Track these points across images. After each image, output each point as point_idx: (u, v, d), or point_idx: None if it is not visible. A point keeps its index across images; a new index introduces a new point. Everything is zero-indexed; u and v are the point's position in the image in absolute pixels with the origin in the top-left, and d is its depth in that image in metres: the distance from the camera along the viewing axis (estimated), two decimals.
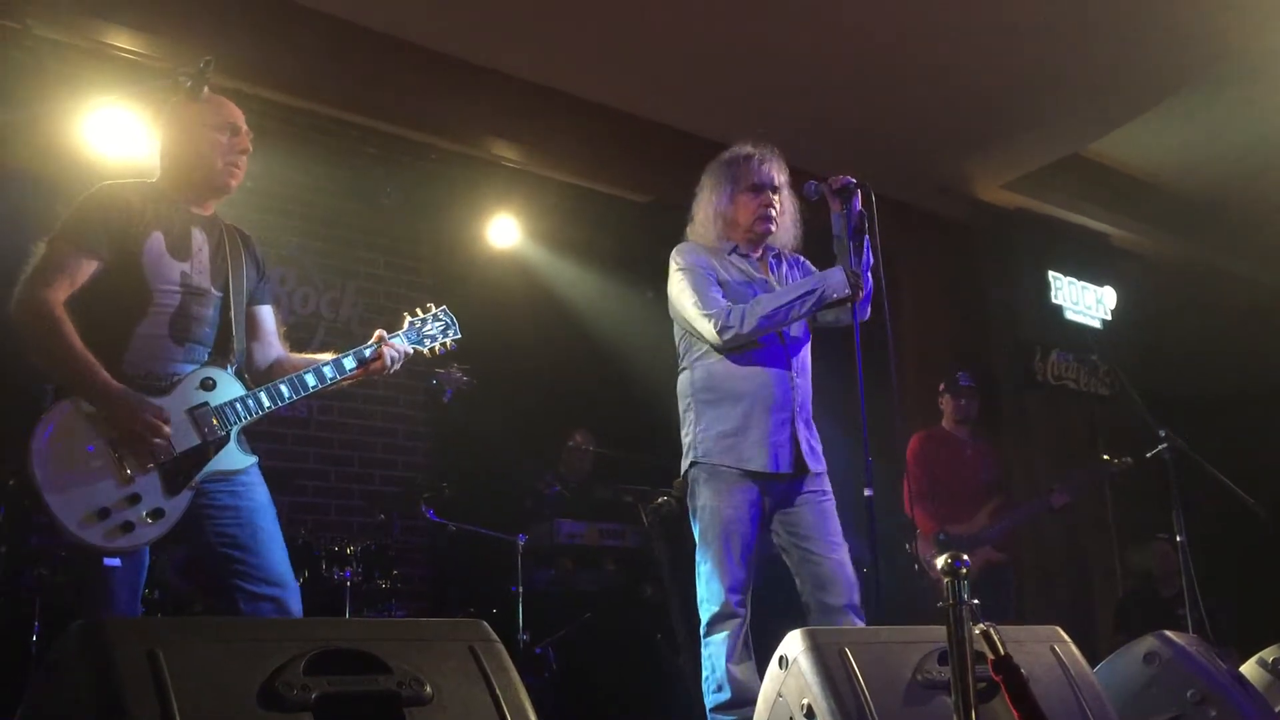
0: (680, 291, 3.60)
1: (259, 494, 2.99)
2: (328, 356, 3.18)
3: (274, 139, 5.51)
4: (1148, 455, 5.19)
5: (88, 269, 2.87)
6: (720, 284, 3.57)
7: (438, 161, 6.04)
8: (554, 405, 6.66)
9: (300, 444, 6.15)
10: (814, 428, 3.62)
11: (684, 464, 3.59)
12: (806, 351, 3.67)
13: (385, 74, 5.56)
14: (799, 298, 3.47)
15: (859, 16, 5.58)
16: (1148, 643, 3.22)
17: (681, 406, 3.65)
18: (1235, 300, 8.38)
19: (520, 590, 5.36)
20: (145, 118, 4.96)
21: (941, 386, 6.09)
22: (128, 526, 2.71)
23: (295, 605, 2.93)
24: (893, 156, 6.74)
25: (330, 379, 3.11)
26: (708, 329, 3.50)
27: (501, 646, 2.00)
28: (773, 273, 3.70)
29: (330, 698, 1.73)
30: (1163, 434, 5.12)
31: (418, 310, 3.45)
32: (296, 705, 1.69)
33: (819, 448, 3.60)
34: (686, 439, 3.60)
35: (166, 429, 2.79)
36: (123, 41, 4.95)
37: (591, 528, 5.98)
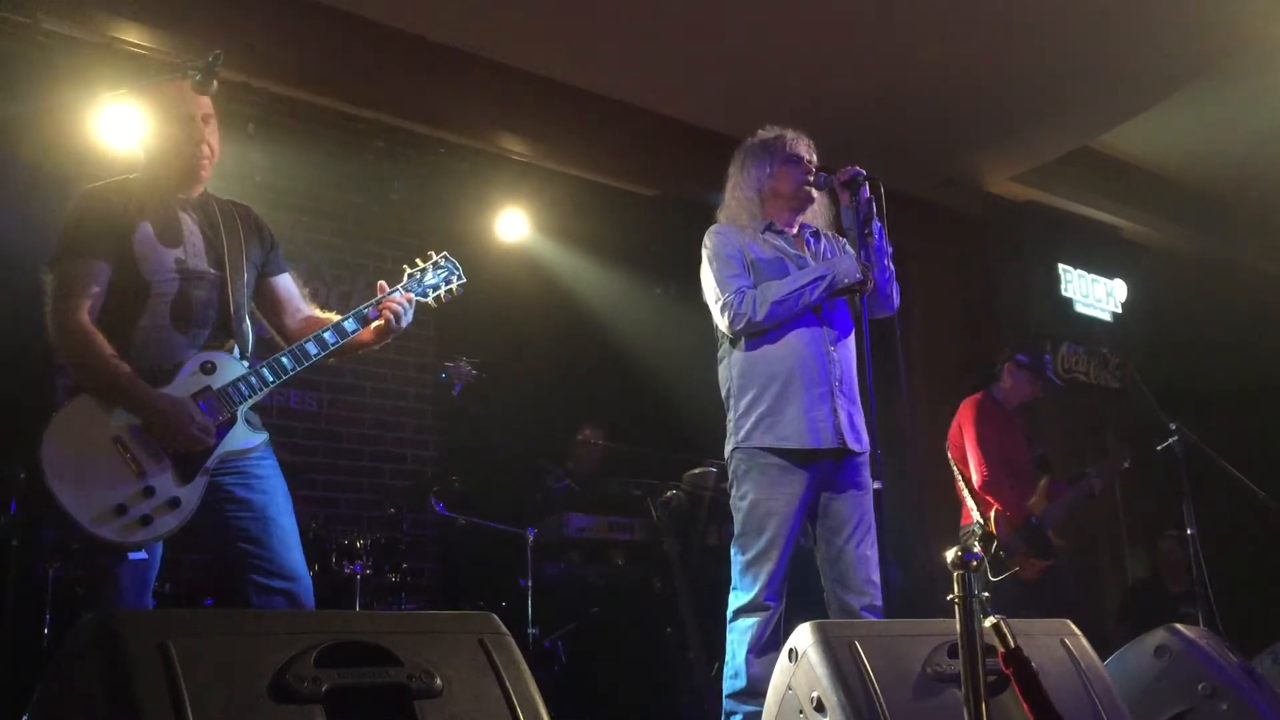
0: (704, 279, 3.65)
1: (273, 484, 3.00)
2: (335, 317, 3.15)
3: (282, 133, 5.52)
4: (1158, 448, 5.17)
5: (103, 274, 2.90)
6: (751, 265, 3.58)
7: (446, 155, 6.05)
8: (563, 399, 6.66)
9: (310, 438, 6.16)
10: (859, 404, 3.58)
11: (726, 449, 3.60)
12: (847, 325, 3.64)
13: (393, 68, 5.56)
14: (810, 283, 3.48)
15: (868, 9, 5.57)
16: (1158, 636, 3.21)
17: (722, 394, 3.67)
18: (1246, 293, 8.35)
19: (529, 584, 5.36)
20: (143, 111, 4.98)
21: (1025, 359, 5.50)
22: (146, 520, 2.73)
23: (308, 599, 2.94)
24: (902, 149, 6.72)
25: (332, 343, 3.07)
26: (721, 319, 3.54)
27: (511, 639, 2.01)
28: (809, 248, 3.71)
29: (341, 690, 1.73)
30: (1173, 427, 5.10)
31: (416, 260, 3.38)
32: (307, 697, 1.70)
33: (862, 425, 3.55)
34: (729, 425, 3.60)
35: (211, 437, 2.84)
36: (131, 36, 4.96)
37: (601, 521, 5.97)
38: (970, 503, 5.17)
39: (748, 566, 3.42)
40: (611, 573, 6.01)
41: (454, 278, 3.43)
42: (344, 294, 6.58)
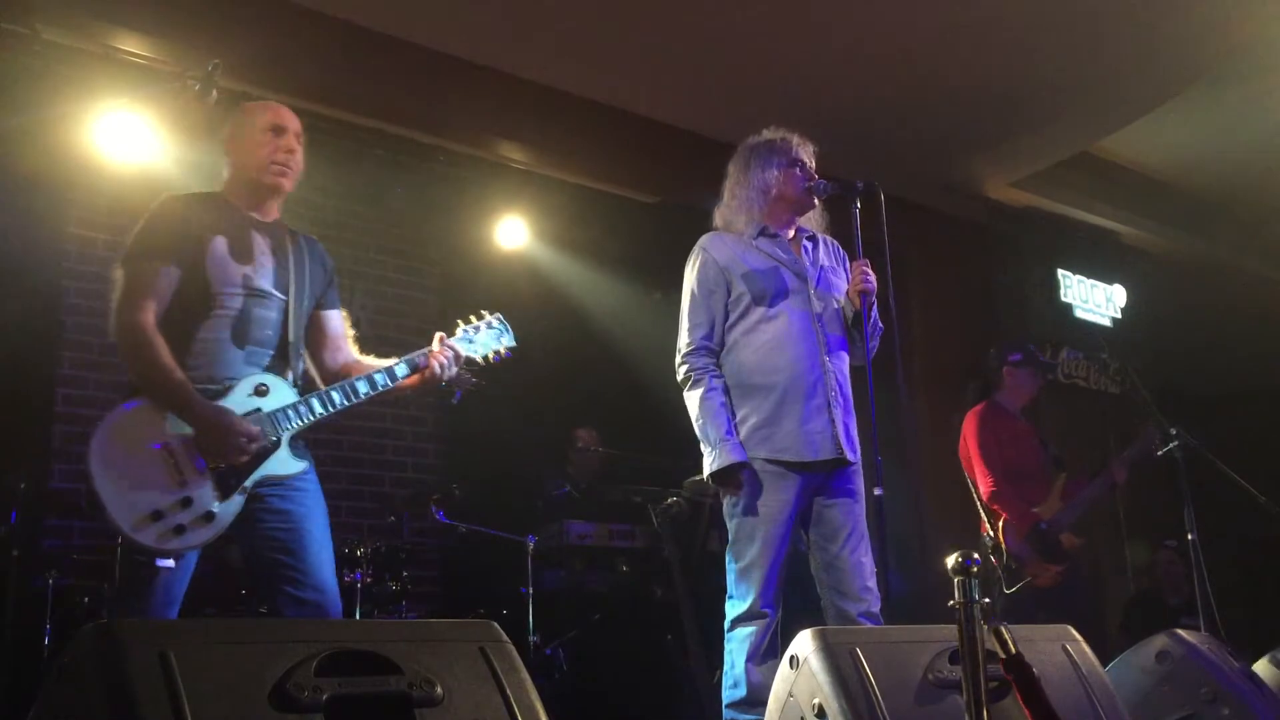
0: (683, 298, 3.68)
1: (311, 499, 3.03)
2: (387, 362, 3.21)
3: None
4: (1158, 453, 5.16)
5: (170, 279, 2.94)
6: (744, 277, 3.57)
7: (446, 163, 6.05)
8: (563, 406, 6.66)
9: (310, 446, 6.15)
10: (854, 413, 3.60)
11: None
12: (842, 335, 3.64)
13: (393, 76, 5.56)
14: (702, 431, 3.53)
15: (868, 15, 5.58)
16: (1160, 641, 3.21)
17: None
18: (1246, 298, 8.36)
19: (530, 591, 5.36)
20: (153, 121, 4.98)
21: (1019, 357, 5.45)
22: (179, 529, 2.76)
23: (336, 611, 2.98)
24: (901, 155, 6.73)
25: (382, 385, 3.14)
26: (676, 355, 3.64)
27: (512, 647, 2.00)
28: (806, 254, 3.70)
29: (342, 699, 1.73)
30: (1174, 432, 5.08)
31: (470, 317, 3.46)
32: (308, 706, 1.69)
33: (856, 436, 3.57)
34: None
35: (253, 451, 2.87)
36: (131, 46, 4.97)
37: (601, 529, 5.97)
38: (983, 514, 5.16)
39: (743, 574, 3.43)
40: (612, 580, 6.01)
41: (505, 339, 3.51)
42: (344, 300, 6.58)
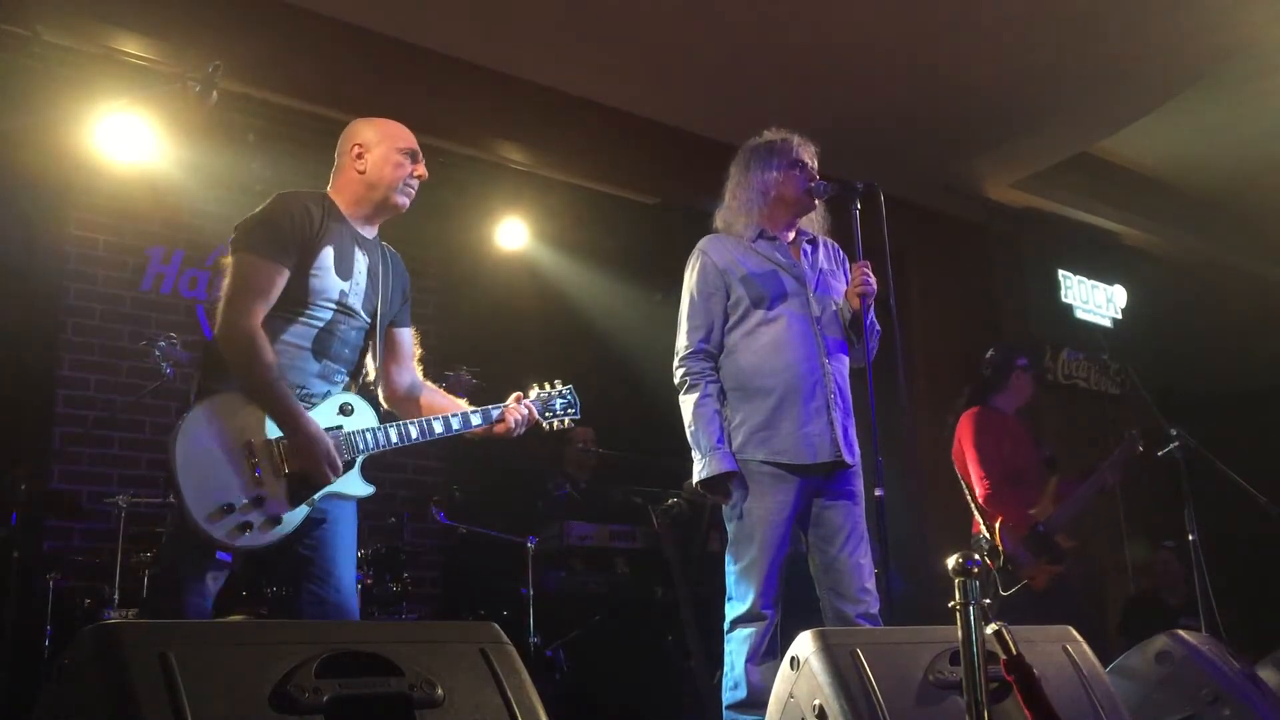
0: (681, 301, 3.68)
1: (351, 509, 3.07)
2: (460, 405, 3.28)
3: (283, 143, 5.53)
4: (1159, 454, 5.16)
5: (281, 281, 2.93)
6: (743, 280, 3.57)
7: (446, 164, 6.04)
8: None
9: None
10: (853, 417, 3.59)
11: None
12: (841, 338, 3.63)
13: (393, 77, 5.56)
14: (693, 437, 3.53)
15: (867, 15, 5.58)
16: (1160, 642, 3.20)
17: None
18: (1246, 298, 8.35)
19: (531, 592, 5.36)
20: (154, 122, 4.98)
21: (1023, 362, 5.45)
22: (246, 527, 2.77)
23: (353, 615, 3.04)
24: (902, 156, 6.73)
25: (455, 430, 3.20)
26: (674, 358, 3.64)
27: (512, 648, 2.00)
28: (805, 258, 3.69)
29: (342, 700, 1.73)
30: (1174, 432, 5.08)
31: (545, 384, 3.53)
32: (308, 708, 1.69)
33: (855, 438, 3.57)
34: None
35: (339, 475, 2.90)
36: (131, 47, 4.97)
37: (602, 529, 5.97)
38: (978, 515, 5.13)
39: (742, 575, 3.43)
40: (613, 581, 6.01)
41: (572, 411, 3.56)
42: None
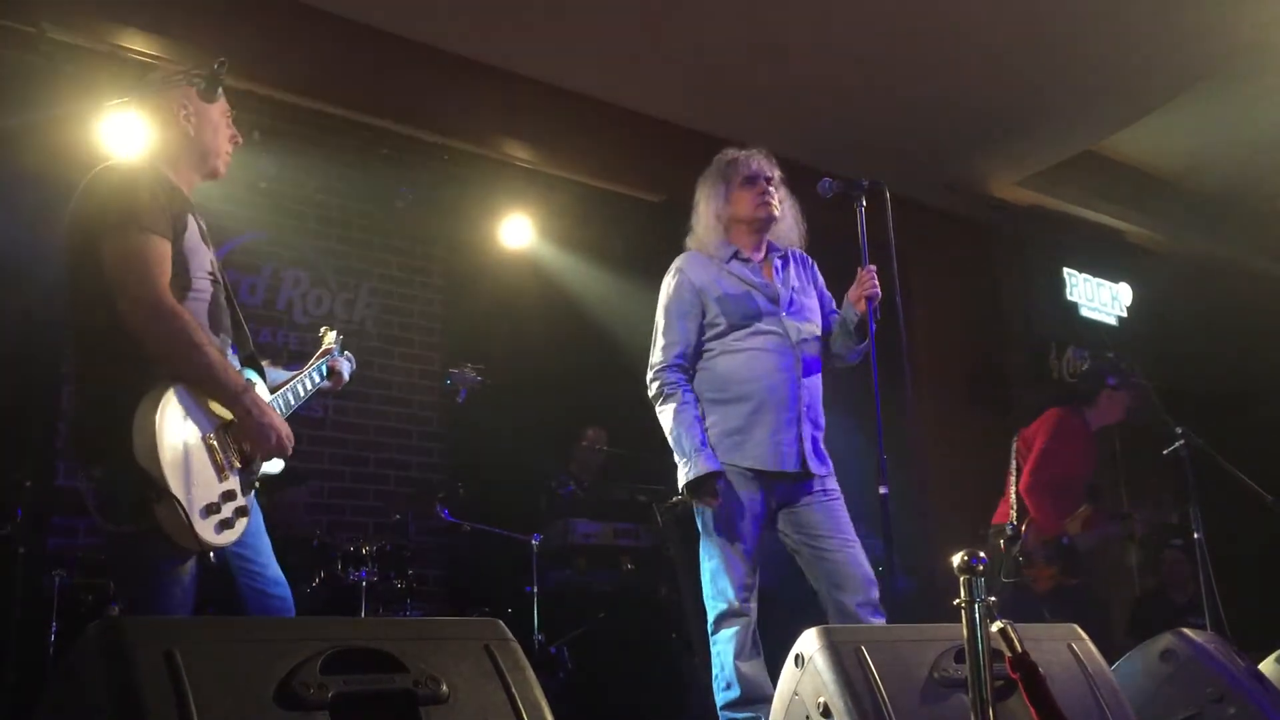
0: (657, 319, 3.69)
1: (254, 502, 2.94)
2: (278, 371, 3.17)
3: (287, 140, 5.53)
4: (1164, 452, 5.16)
5: (169, 257, 2.64)
6: (719, 300, 3.59)
7: (450, 162, 6.05)
8: (567, 405, 6.66)
9: (315, 444, 6.16)
10: (823, 428, 3.63)
11: None
12: (815, 351, 3.67)
13: (398, 75, 5.57)
14: (676, 443, 3.52)
15: (871, 14, 5.57)
16: (1165, 640, 3.20)
17: None
18: (1251, 296, 8.33)
19: (535, 590, 5.36)
20: (147, 112, 4.97)
21: (1114, 380, 5.59)
22: (228, 523, 2.60)
23: (293, 608, 2.88)
24: (907, 154, 6.72)
25: (306, 395, 3.15)
26: (648, 370, 3.65)
27: (517, 646, 2.00)
28: (777, 275, 3.70)
29: (347, 697, 1.73)
30: (1179, 431, 5.08)
31: (324, 331, 3.47)
32: (313, 704, 1.69)
33: (824, 449, 3.61)
34: None
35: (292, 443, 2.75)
36: (136, 44, 4.97)
37: (606, 527, 5.97)
38: (1011, 501, 5.22)
39: (716, 574, 3.46)
40: (617, 579, 6.01)
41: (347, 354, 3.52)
42: (349, 300, 6.60)
